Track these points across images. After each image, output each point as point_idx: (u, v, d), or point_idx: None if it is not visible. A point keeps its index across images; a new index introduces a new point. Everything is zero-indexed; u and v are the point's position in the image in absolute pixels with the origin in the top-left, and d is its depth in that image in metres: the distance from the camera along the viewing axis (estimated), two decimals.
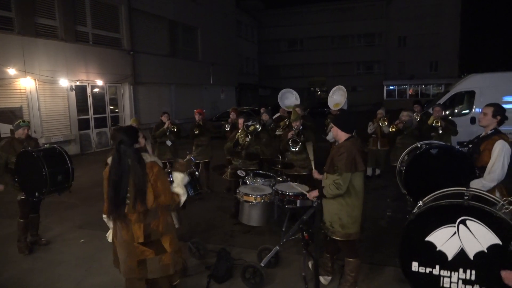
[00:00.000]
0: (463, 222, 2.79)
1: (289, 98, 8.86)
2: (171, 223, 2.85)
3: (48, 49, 12.51)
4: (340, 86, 8.05)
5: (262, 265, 3.92)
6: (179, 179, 2.91)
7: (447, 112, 9.73)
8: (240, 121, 6.33)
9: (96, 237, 5.38)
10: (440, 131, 6.64)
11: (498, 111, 3.66)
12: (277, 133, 7.46)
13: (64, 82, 13.01)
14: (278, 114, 8.65)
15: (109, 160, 2.73)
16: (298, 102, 8.50)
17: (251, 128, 5.90)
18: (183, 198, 2.87)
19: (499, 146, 3.46)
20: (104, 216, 2.86)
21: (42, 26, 12.49)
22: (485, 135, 3.73)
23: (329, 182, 3.44)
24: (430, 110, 10.45)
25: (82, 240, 5.43)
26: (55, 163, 4.61)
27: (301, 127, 5.67)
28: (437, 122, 6.70)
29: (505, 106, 3.96)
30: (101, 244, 5.01)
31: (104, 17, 15.31)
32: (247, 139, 5.93)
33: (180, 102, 20.42)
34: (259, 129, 6.86)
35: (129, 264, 2.68)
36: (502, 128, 3.74)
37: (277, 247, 4.01)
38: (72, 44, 13.44)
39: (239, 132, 6.12)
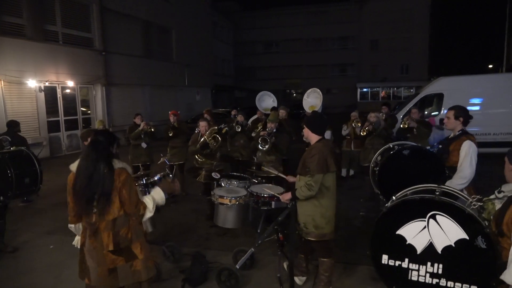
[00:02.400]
0: (433, 216, 2.87)
1: (267, 101, 8.91)
2: (141, 229, 2.78)
3: (15, 48, 12.03)
4: (315, 88, 8.15)
5: (238, 267, 3.90)
6: (159, 195, 2.84)
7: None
8: (203, 124, 6.13)
9: (66, 243, 5.20)
10: (415, 132, 6.78)
11: (459, 112, 3.80)
12: (253, 134, 7.47)
13: (32, 83, 12.55)
14: (256, 116, 8.66)
15: (72, 166, 2.64)
16: (275, 104, 8.55)
17: (224, 130, 5.86)
18: (148, 215, 2.74)
19: (466, 146, 3.61)
20: (70, 225, 2.76)
21: (8, 25, 12.02)
22: (453, 136, 3.87)
23: (301, 184, 3.46)
24: (400, 114, 10.78)
25: (51, 247, 5.24)
26: (21, 165, 4.44)
27: (274, 130, 5.69)
28: (404, 124, 6.88)
29: (472, 108, 4.13)
30: (71, 250, 4.81)
31: (74, 16, 14.88)
32: (216, 142, 5.85)
33: (155, 104, 20.10)
34: (239, 130, 6.84)
35: (99, 273, 2.60)
36: (470, 129, 3.89)
37: (253, 249, 4.00)
38: (40, 43, 12.99)
39: (206, 135, 5.95)
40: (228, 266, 3.94)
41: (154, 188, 2.93)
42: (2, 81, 11.57)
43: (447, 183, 3.61)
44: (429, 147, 4.59)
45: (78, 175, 2.55)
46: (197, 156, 5.96)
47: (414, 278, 2.99)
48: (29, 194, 4.59)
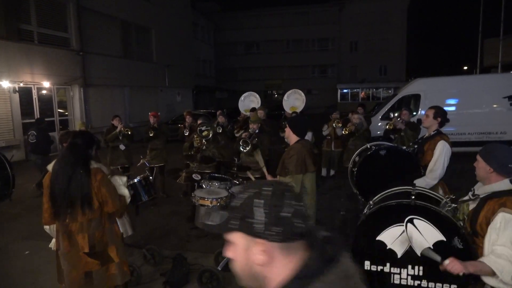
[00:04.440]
0: (411, 221, 2.93)
1: (253, 102, 8.92)
2: (117, 232, 2.75)
3: None
4: (296, 89, 8.18)
5: (219, 269, 3.88)
6: (121, 181, 2.84)
7: (396, 114, 10.24)
8: (188, 120, 6.19)
9: (42, 248, 5.04)
10: (402, 134, 6.78)
11: (439, 113, 3.89)
12: (236, 134, 7.47)
13: (5, 84, 12.15)
14: (241, 116, 8.63)
15: (50, 166, 2.58)
16: (259, 105, 8.57)
17: (205, 133, 5.83)
18: (128, 199, 2.83)
19: (440, 146, 3.70)
20: (46, 227, 2.70)
21: None
22: (428, 136, 3.96)
23: None
24: (379, 115, 10.94)
25: (27, 252, 5.09)
26: None
27: (257, 131, 5.70)
28: (390, 125, 6.91)
29: (448, 108, 4.23)
30: (47, 255, 4.70)
31: (50, 15, 14.50)
32: (204, 143, 5.86)
33: (135, 105, 19.80)
34: (220, 131, 6.82)
35: (73, 276, 2.55)
36: (446, 129, 3.99)
37: None
38: (14, 43, 12.59)
39: (194, 138, 6.01)
40: (210, 268, 3.92)
41: (113, 180, 2.89)
42: None
43: (420, 180, 3.69)
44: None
45: (56, 178, 2.50)
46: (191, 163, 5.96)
47: (397, 281, 3.04)
48: (0, 199, 4.43)
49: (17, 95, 12.67)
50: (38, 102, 13.87)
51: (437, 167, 3.67)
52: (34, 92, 13.69)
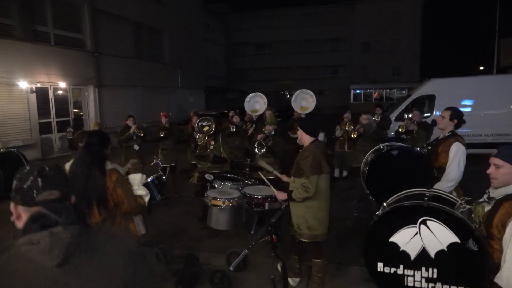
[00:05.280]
0: (424, 222, 2.89)
1: (259, 102, 8.89)
2: (132, 230, 2.78)
3: (4, 49, 11.87)
4: (304, 89, 8.12)
5: (231, 269, 3.89)
6: (138, 180, 2.86)
7: (410, 115, 10.13)
8: (194, 120, 6.16)
9: None
10: (415, 135, 6.70)
11: (455, 114, 3.83)
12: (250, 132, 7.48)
13: (23, 84, 12.40)
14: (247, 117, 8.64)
15: (67, 165, 2.62)
16: (265, 106, 8.54)
17: (205, 128, 5.77)
18: (147, 198, 2.85)
19: (455, 148, 3.64)
20: None
21: None
22: (442, 137, 3.90)
23: (297, 186, 3.47)
24: (393, 116, 10.83)
25: None
26: (10, 167, 4.39)
27: (272, 132, 5.68)
28: (402, 128, 6.82)
29: (463, 109, 4.16)
30: None
31: (66, 17, 14.75)
32: (210, 142, 5.84)
33: (147, 105, 20.00)
34: (233, 130, 6.81)
35: None
36: (461, 130, 3.93)
37: (246, 251, 4.00)
38: (31, 44, 12.84)
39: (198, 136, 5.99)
40: (221, 268, 3.94)
41: (129, 178, 2.93)
42: None
43: (436, 185, 3.64)
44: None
45: (73, 178, 2.53)
46: (197, 163, 5.96)
47: (410, 283, 3.01)
48: None
49: (34, 95, 12.93)
50: (54, 102, 14.12)
51: (451, 169, 3.61)
52: (50, 92, 13.94)
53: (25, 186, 1.20)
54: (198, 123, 5.83)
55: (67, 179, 1.32)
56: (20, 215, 1.23)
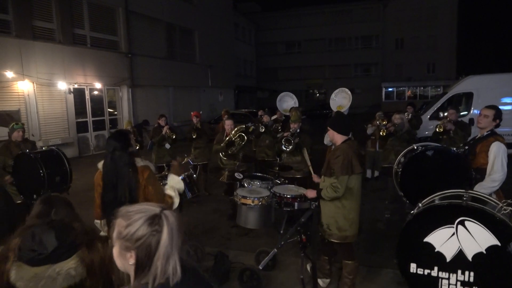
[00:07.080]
0: (462, 223, 2.78)
1: (288, 102, 8.87)
2: None
3: (46, 52, 12.49)
4: (343, 88, 7.96)
5: (260, 268, 3.90)
6: (175, 181, 2.89)
7: (445, 114, 9.76)
8: (229, 122, 6.24)
9: None
10: (452, 135, 6.43)
11: (498, 114, 3.67)
12: (278, 135, 7.48)
13: (62, 85, 12.99)
14: (275, 117, 8.66)
15: (100, 165, 2.71)
16: (296, 105, 8.50)
17: (251, 129, 5.90)
18: (176, 201, 2.84)
19: (495, 148, 3.48)
20: (96, 221, 2.84)
21: (39, 29, 12.48)
22: (481, 137, 3.74)
23: (326, 185, 3.43)
24: (427, 114, 10.47)
25: None
26: (53, 164, 4.59)
27: (298, 130, 5.66)
28: (440, 127, 6.52)
29: (503, 107, 3.98)
30: None
31: (101, 19, 15.31)
32: (242, 141, 5.90)
33: (178, 105, 20.40)
34: (262, 130, 6.85)
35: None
36: (500, 130, 3.75)
37: (275, 250, 4.00)
38: (69, 47, 13.43)
39: (232, 134, 6.04)
40: (251, 267, 3.95)
41: (169, 177, 2.97)
42: (34, 84, 12.04)
43: (477, 186, 3.49)
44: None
45: (105, 175, 2.62)
46: (222, 155, 6.03)
47: (445, 287, 2.90)
48: (60, 193, 4.73)
49: (71, 95, 13.52)
50: (90, 102, 14.70)
51: (495, 169, 3.44)
52: (87, 92, 14.52)
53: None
54: (245, 125, 6.09)
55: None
56: None
